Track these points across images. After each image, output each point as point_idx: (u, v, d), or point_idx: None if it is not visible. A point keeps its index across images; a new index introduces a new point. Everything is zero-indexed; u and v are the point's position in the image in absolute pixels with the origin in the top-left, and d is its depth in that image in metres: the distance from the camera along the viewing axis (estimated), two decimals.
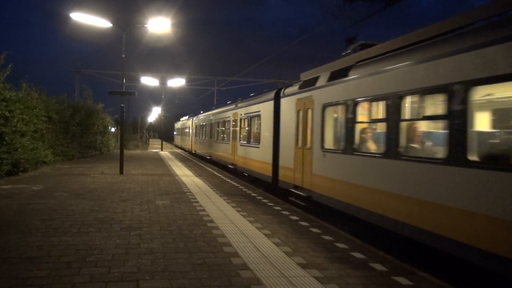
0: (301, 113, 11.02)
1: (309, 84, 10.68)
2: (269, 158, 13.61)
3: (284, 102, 12.60)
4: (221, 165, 21.89)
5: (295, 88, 11.85)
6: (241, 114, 17.95)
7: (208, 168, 20.31)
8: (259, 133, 15.11)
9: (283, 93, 12.80)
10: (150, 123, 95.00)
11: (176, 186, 12.82)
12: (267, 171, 13.72)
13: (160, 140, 53.27)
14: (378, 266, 5.49)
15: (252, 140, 16.11)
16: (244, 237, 6.74)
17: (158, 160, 25.11)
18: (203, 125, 30.18)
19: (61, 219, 7.68)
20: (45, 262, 5.17)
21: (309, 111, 10.47)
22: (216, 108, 26.27)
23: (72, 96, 32.60)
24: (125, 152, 20.96)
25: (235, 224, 7.68)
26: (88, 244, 6.04)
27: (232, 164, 19.11)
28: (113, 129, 38.47)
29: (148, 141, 61.18)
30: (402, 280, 4.97)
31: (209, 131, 26.69)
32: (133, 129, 70.64)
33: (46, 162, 18.15)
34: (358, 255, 5.99)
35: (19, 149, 14.76)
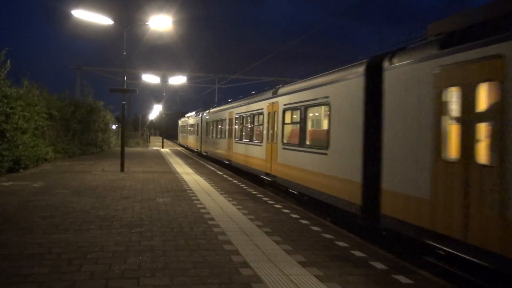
0: (455, 94, 5.90)
1: (482, 32, 5.60)
2: (352, 173, 8.36)
3: (394, 77, 7.24)
4: (246, 174, 16.89)
5: (427, 51, 6.57)
6: (285, 105, 12.74)
7: (209, 166, 20.32)
8: (326, 132, 9.64)
9: (391, 62, 7.41)
10: (151, 120, 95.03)
11: (176, 184, 12.83)
12: (348, 194, 8.48)
13: (161, 138, 53.28)
14: (378, 265, 5.49)
15: (309, 143, 10.87)
16: (244, 235, 6.75)
17: (159, 158, 25.13)
18: (218, 121, 23.85)
19: (62, 216, 7.69)
20: (46, 259, 5.18)
21: (491, 86, 5.35)
22: (240, 99, 20.22)
23: (73, 94, 32.59)
24: (126, 149, 20.98)
25: (235, 221, 7.69)
26: (88, 241, 6.05)
27: (268, 175, 13.93)
28: (114, 127, 38.49)
29: (149, 139, 61.20)
30: (402, 279, 4.98)
31: (228, 129, 20.90)
32: (134, 127, 70.76)
33: (47, 159, 18.20)
34: (358, 253, 6.00)
35: (20, 146, 14.78)
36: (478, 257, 5.34)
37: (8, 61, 14.56)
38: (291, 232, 7.07)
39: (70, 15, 15.91)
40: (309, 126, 11.12)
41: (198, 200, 9.95)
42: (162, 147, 40.82)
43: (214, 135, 25.05)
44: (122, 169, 16.08)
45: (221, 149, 22.67)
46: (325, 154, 9.58)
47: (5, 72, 14.41)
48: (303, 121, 11.21)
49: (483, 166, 5.33)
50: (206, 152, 28.23)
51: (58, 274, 4.66)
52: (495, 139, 5.19)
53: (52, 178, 13.27)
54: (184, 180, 13.82)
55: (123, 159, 16.36)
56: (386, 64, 7.57)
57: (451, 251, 5.81)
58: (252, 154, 15.88)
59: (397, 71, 7.21)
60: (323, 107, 10.33)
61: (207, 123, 28.35)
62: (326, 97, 9.82)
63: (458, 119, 5.84)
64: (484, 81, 5.44)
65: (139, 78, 40.48)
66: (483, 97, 5.52)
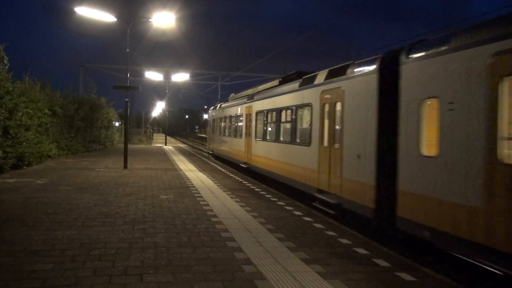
0: None
1: None
2: None
3: None
4: None
5: None
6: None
7: (211, 163, 20.32)
8: None
9: None
10: (154, 117, 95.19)
11: (180, 181, 12.84)
12: None
13: (164, 135, 53.34)
14: (381, 262, 5.49)
15: None
16: (247, 232, 6.75)
17: (162, 155, 25.16)
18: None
19: (66, 213, 7.71)
20: (49, 255, 5.20)
21: None
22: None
23: (77, 91, 32.65)
24: (129, 146, 21.00)
25: (238, 219, 7.69)
26: (92, 238, 6.06)
27: None
28: (117, 124, 38.54)
29: (152, 136, 61.29)
30: (405, 276, 4.97)
31: None
32: (137, 124, 70.88)
33: (51, 156, 18.23)
34: (361, 250, 5.99)
35: (24, 143, 14.82)
36: None
37: (5, 56, 14.28)
38: (294, 229, 7.07)
39: (73, 12, 15.92)
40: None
41: (201, 197, 9.96)
42: (165, 144, 40.87)
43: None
44: (125, 166, 16.10)
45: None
46: None
47: (6, 68, 14.34)
48: None
49: None
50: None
51: (61, 270, 4.68)
52: None
53: (55, 175, 13.31)
54: (187, 177, 13.83)
55: (126, 156, 16.38)
56: None
57: None
58: None
59: None
60: None
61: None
62: None
63: None
64: None
65: (142, 75, 40.58)
66: None
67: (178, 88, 56.93)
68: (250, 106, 17.40)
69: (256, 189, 11.68)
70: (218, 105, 27.02)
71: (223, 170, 17.05)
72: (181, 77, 37.30)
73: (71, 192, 10.11)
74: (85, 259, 5.10)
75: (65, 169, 15.14)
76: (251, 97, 17.79)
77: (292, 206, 9.26)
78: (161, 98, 57.80)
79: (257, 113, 16.25)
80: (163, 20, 17.31)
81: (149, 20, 17.66)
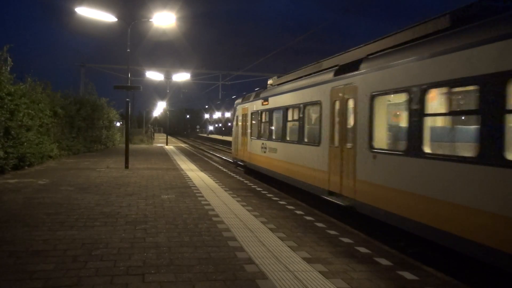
0: None
1: None
2: None
3: None
4: None
5: None
6: None
7: (213, 163, 20.32)
8: None
9: None
10: (155, 117, 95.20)
11: (181, 180, 12.84)
12: None
13: (165, 135, 53.35)
14: (383, 261, 5.48)
15: None
16: (249, 231, 6.75)
17: (163, 155, 25.17)
18: None
19: (67, 213, 7.72)
20: (51, 255, 5.21)
21: None
22: None
23: (78, 91, 32.66)
24: (130, 146, 21.01)
25: (240, 218, 7.69)
26: (94, 238, 6.07)
27: None
28: (118, 124, 38.56)
29: (153, 136, 61.32)
30: (407, 275, 4.96)
31: None
32: (138, 124, 70.96)
33: (52, 156, 18.25)
34: (363, 249, 5.98)
35: (25, 144, 14.83)
36: None
37: (9, 58, 14.41)
38: (296, 229, 7.07)
39: (74, 12, 15.92)
40: None
41: (202, 196, 9.96)
42: (166, 144, 40.89)
43: None
44: (126, 166, 16.11)
45: None
46: None
47: (8, 69, 14.38)
48: None
49: None
50: None
51: (63, 270, 4.68)
52: None
53: (56, 175, 13.32)
54: (189, 177, 13.83)
55: (128, 156, 16.39)
56: None
57: None
58: None
59: None
60: None
61: None
62: None
63: None
64: None
65: (143, 75, 40.59)
66: None
67: (179, 88, 56.98)
68: (348, 87, 8.97)
69: (258, 189, 11.67)
70: (253, 94, 18.17)
71: (224, 169, 17.05)
72: (182, 77, 37.31)
73: (73, 192, 10.12)
74: (86, 259, 5.10)
75: (67, 169, 15.15)
76: (345, 70, 9.30)
77: (293, 206, 9.26)
78: (162, 98, 57.83)
79: (375, 97, 7.94)
80: (164, 20, 17.30)
81: (150, 20, 17.65)
